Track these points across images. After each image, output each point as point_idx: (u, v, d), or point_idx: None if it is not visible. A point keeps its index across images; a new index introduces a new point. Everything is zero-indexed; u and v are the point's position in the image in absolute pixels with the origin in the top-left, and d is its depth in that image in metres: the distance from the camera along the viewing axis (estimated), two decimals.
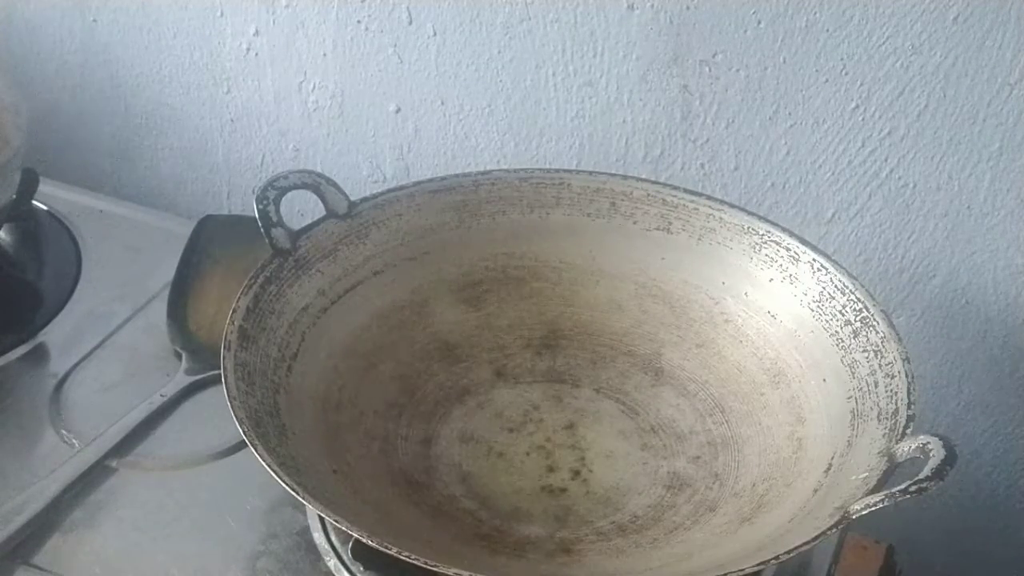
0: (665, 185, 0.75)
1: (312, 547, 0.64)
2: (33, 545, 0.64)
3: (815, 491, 0.61)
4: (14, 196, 0.81)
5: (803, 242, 0.71)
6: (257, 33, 0.91)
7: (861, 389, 0.64)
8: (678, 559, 0.62)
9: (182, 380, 0.74)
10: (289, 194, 0.69)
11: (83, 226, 0.87)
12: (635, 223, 0.74)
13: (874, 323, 0.66)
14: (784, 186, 0.83)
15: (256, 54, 0.92)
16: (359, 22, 0.88)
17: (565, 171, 0.76)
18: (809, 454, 0.64)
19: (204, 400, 0.74)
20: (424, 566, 0.54)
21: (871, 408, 0.63)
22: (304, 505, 0.59)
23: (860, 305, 0.67)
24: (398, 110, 0.90)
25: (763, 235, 0.72)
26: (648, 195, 0.74)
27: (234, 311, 0.65)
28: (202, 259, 0.82)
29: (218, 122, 0.97)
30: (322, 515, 0.58)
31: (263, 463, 0.57)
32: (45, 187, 0.86)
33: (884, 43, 0.75)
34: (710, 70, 0.80)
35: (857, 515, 0.56)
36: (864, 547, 0.72)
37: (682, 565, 0.61)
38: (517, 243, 0.75)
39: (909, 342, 0.66)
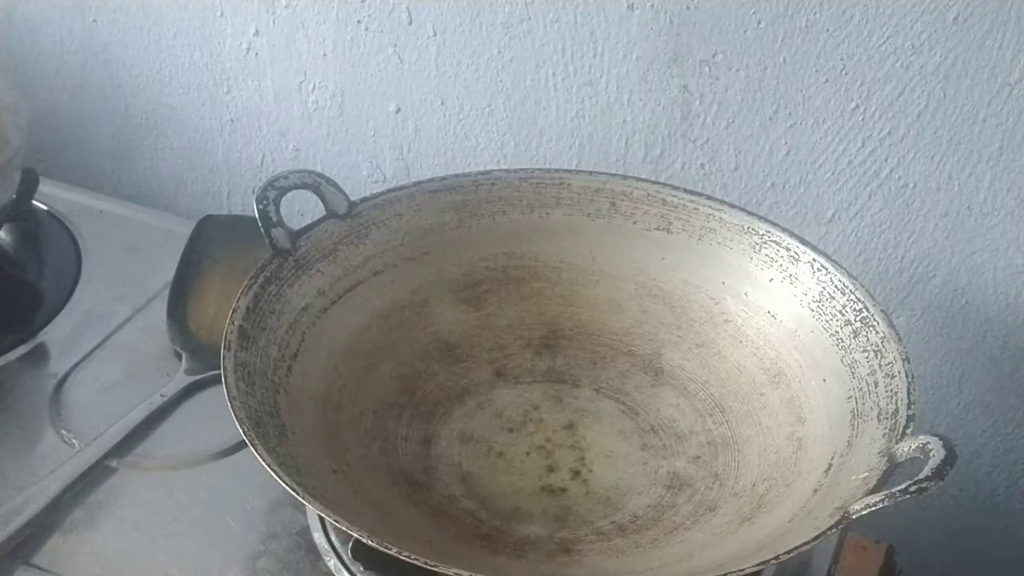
0: (665, 185, 0.75)
1: (312, 547, 0.64)
2: (33, 545, 0.64)
3: (815, 491, 0.61)
4: (14, 196, 0.81)
5: (803, 242, 0.71)
6: (257, 33, 0.91)
7: (861, 389, 0.64)
8: (678, 559, 0.62)
9: (182, 380, 0.74)
10: (289, 194, 0.69)
11: (83, 226, 0.87)
12: (635, 223, 0.74)
13: (874, 323, 0.66)
14: (784, 186, 0.82)
15: (256, 54, 0.92)
16: (359, 22, 0.87)
17: (565, 171, 0.76)
18: (809, 454, 0.64)
19: (204, 400, 0.74)
20: (424, 566, 0.54)
21: (871, 408, 0.63)
22: (304, 505, 0.59)
23: (860, 305, 0.67)
24: (398, 110, 0.90)
25: (763, 235, 0.72)
26: (648, 195, 0.74)
27: (234, 311, 0.65)
28: (202, 259, 0.82)
29: (218, 122, 0.97)
30: (322, 515, 0.58)
31: (263, 463, 0.57)
32: (45, 187, 0.86)
33: (884, 43, 0.75)
34: (710, 70, 0.80)
35: (857, 515, 0.56)
36: (864, 547, 0.72)
37: (682, 565, 0.61)
38: (517, 243, 0.75)
39: (909, 342, 0.66)
